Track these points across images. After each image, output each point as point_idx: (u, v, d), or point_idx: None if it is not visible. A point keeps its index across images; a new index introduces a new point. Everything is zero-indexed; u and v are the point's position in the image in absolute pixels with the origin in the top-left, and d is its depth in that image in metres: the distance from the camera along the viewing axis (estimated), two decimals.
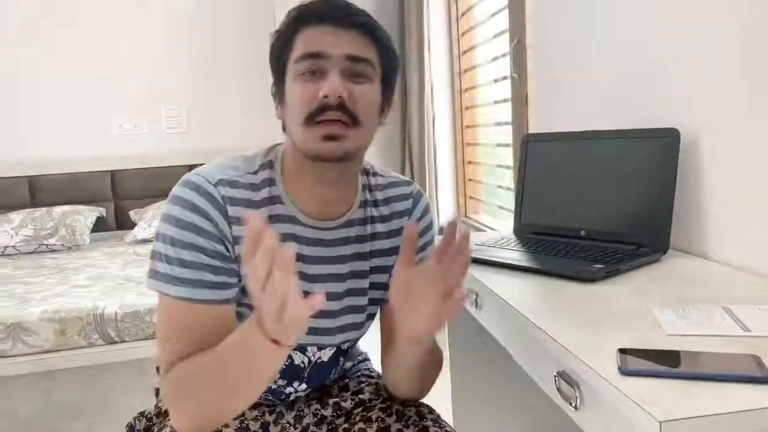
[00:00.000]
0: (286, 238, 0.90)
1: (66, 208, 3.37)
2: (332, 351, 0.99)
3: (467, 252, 0.75)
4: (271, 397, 1.01)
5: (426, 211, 1.03)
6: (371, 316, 1.02)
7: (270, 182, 0.91)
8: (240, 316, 0.91)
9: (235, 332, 0.78)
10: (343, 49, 0.84)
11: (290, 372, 0.98)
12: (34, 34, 3.53)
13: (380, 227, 0.98)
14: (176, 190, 0.87)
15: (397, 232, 0.99)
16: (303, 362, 0.97)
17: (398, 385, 1.00)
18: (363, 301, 0.99)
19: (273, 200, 0.91)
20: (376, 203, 0.99)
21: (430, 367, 0.97)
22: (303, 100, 0.84)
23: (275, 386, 0.99)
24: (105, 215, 3.53)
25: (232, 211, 0.87)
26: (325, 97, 0.82)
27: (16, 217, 3.25)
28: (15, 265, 2.90)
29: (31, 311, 2.08)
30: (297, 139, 0.87)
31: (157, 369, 1.14)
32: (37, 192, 3.54)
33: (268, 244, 0.62)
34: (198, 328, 0.84)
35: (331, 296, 0.94)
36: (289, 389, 1.00)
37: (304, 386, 1.01)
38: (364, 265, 0.97)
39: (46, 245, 3.19)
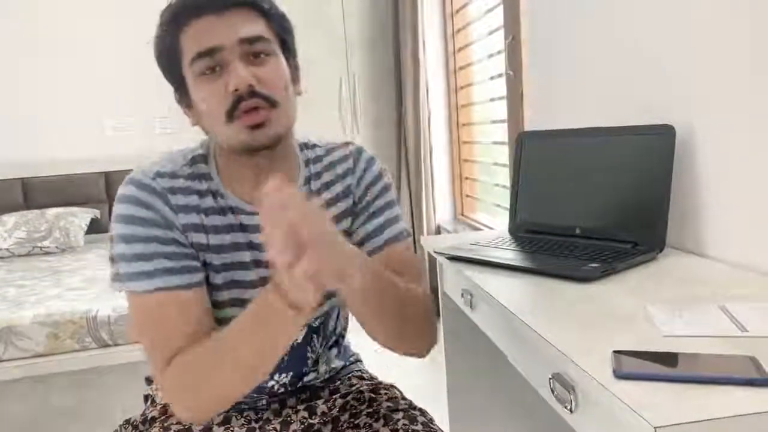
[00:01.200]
0: (234, 228, 0.91)
1: (60, 210, 3.34)
2: (304, 331, 0.97)
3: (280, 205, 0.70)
4: (254, 395, 0.99)
5: (369, 163, 1.01)
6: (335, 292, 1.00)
7: (206, 177, 0.91)
8: (215, 305, 0.90)
9: (248, 309, 0.78)
10: (234, 34, 0.82)
11: None
12: (27, 35, 3.50)
13: (326, 195, 0.97)
14: (119, 189, 0.88)
15: (344, 194, 0.98)
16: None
17: (393, 343, 0.94)
18: None
19: (213, 193, 0.91)
20: (319, 175, 0.98)
21: (411, 315, 0.92)
22: (214, 99, 0.83)
23: (259, 386, 0.96)
24: (99, 217, 3.51)
25: (174, 199, 0.87)
26: (236, 90, 0.81)
27: (9, 219, 3.22)
28: (8, 268, 2.88)
29: (23, 315, 2.05)
30: (223, 138, 0.86)
31: (147, 380, 1.12)
32: (31, 194, 3.51)
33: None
34: (175, 316, 0.83)
35: None
36: (271, 382, 0.98)
37: (284, 376, 0.98)
38: None
39: (40, 248, 3.17)
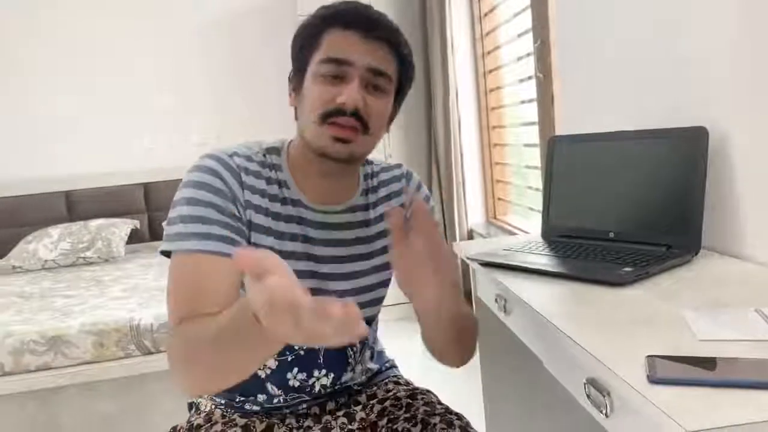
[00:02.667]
0: (294, 219, 0.96)
1: (101, 221, 3.45)
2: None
3: (424, 220, 0.79)
4: (298, 396, 1.01)
5: (419, 186, 1.10)
6: (377, 301, 1.05)
7: (276, 167, 0.97)
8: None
9: (237, 320, 0.70)
10: (367, 60, 0.89)
11: (307, 360, 0.99)
12: (68, 53, 3.63)
13: (381, 210, 1.04)
14: (195, 162, 0.93)
15: None
16: (321, 345, 0.97)
17: (441, 355, 0.99)
18: (369, 280, 1.02)
19: (280, 183, 0.96)
20: (375, 189, 1.05)
21: (464, 332, 0.97)
22: (321, 100, 0.89)
23: (298, 383, 1.00)
24: (139, 227, 3.61)
25: (246, 179, 0.92)
26: (342, 103, 0.87)
27: (55, 231, 3.34)
28: (54, 278, 2.98)
29: (70, 324, 2.13)
30: (308, 134, 0.92)
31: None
32: (74, 206, 3.64)
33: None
34: (206, 280, 0.85)
35: (337, 277, 0.99)
36: (311, 380, 1.00)
37: (324, 372, 1.01)
38: (368, 248, 1.02)
39: (84, 258, 3.27)
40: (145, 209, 3.71)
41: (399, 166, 1.11)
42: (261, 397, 1.01)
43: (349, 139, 0.89)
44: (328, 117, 0.88)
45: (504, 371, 1.57)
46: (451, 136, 3.16)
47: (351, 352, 1.04)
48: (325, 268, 0.98)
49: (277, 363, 0.99)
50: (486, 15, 3.05)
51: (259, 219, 0.93)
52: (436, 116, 3.24)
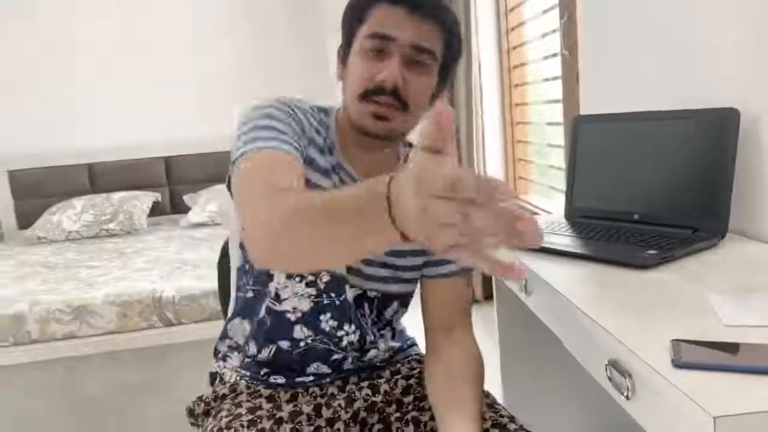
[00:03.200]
0: (332, 176, 0.97)
1: (123, 194, 3.49)
2: (379, 294, 1.03)
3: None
4: (326, 341, 1.01)
5: None
6: (416, 280, 1.07)
7: (326, 127, 0.99)
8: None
9: (358, 197, 0.60)
10: (410, 36, 0.88)
11: (340, 311, 1.00)
12: (88, 24, 3.64)
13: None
14: (267, 100, 0.93)
15: None
16: (355, 297, 1.02)
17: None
18: (408, 261, 1.03)
19: (329, 147, 0.98)
20: None
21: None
22: (362, 77, 0.90)
23: (328, 328, 1.01)
24: (160, 200, 3.64)
25: (306, 121, 0.94)
26: (382, 81, 0.87)
27: (78, 203, 3.39)
28: (78, 249, 3.04)
29: (94, 294, 2.17)
30: (350, 109, 0.93)
31: (215, 353, 1.17)
32: (97, 178, 3.68)
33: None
34: (279, 169, 0.82)
35: (396, 253, 1.00)
36: (340, 332, 1.01)
37: (354, 328, 1.02)
38: None
39: (106, 230, 3.32)
40: (167, 182, 3.74)
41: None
42: (284, 344, 1.01)
43: (388, 116, 0.89)
44: (369, 95, 0.89)
45: (523, 350, 1.57)
46: (473, 113, 3.13)
47: (383, 314, 1.07)
48: None
49: (311, 305, 1.00)
50: None
51: (312, 158, 0.95)
52: (457, 92, 3.21)
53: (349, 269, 1.00)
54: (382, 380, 1.07)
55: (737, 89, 1.18)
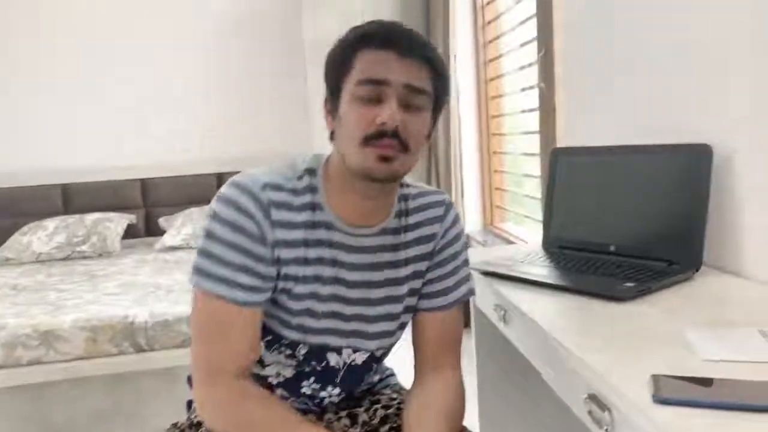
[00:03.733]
0: (324, 243, 0.94)
1: (98, 215, 3.43)
2: (366, 355, 1.01)
3: None
4: (306, 402, 1.03)
5: (456, 220, 1.06)
6: (402, 326, 1.04)
7: (312, 189, 0.95)
8: (277, 320, 0.94)
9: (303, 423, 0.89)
10: (404, 78, 0.87)
11: (325, 375, 1.00)
12: (67, 44, 3.61)
13: (413, 235, 1.01)
14: (224, 190, 0.91)
15: (428, 238, 1.02)
16: (338, 364, 0.99)
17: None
18: (398, 308, 1.01)
19: (313, 206, 0.94)
20: (408, 212, 1.02)
21: None
22: (361, 123, 0.87)
23: (310, 391, 1.00)
24: (135, 222, 3.59)
25: (275, 214, 0.90)
26: (383, 124, 0.86)
27: (50, 224, 3.32)
28: (48, 271, 2.96)
29: (63, 319, 2.12)
30: (350, 158, 0.90)
31: (189, 379, 1.15)
32: (70, 199, 3.62)
33: None
34: (230, 327, 0.89)
35: (368, 302, 0.98)
36: (322, 393, 1.02)
37: (338, 390, 1.02)
38: (399, 272, 1.00)
39: (78, 252, 3.26)
40: (143, 204, 3.69)
41: (440, 193, 1.08)
42: None
43: (392, 156, 0.88)
44: (370, 140, 0.87)
45: (501, 382, 1.56)
46: (451, 143, 3.16)
47: (366, 376, 1.06)
48: (353, 293, 0.97)
49: (294, 373, 0.99)
50: (489, 23, 3.05)
51: (288, 253, 0.92)
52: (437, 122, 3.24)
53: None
54: (361, 409, 1.07)
55: (710, 125, 1.21)
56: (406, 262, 1.01)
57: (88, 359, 2.08)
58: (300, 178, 0.94)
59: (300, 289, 0.93)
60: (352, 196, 0.95)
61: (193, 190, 3.65)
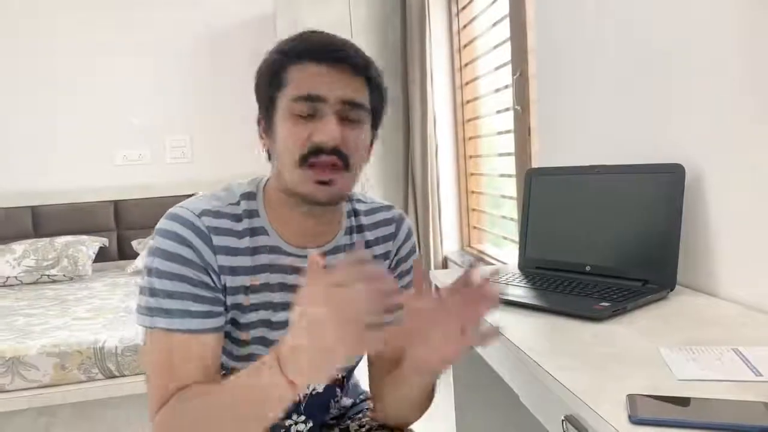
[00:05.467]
0: (271, 268, 0.91)
1: (69, 238, 3.37)
2: (326, 381, 0.98)
3: (490, 293, 0.79)
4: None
5: (409, 235, 1.05)
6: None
7: (251, 213, 0.91)
8: (225, 352, 0.91)
9: (244, 375, 0.77)
10: (341, 92, 0.84)
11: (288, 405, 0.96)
12: (38, 66, 3.57)
13: (366, 253, 0.99)
14: (161, 223, 0.87)
15: (382, 257, 1.01)
16: (298, 395, 0.95)
17: (396, 412, 0.99)
18: None
19: (255, 231, 0.91)
20: (361, 229, 1.00)
21: (426, 395, 0.96)
22: (296, 142, 0.84)
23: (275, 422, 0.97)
24: (107, 245, 3.53)
25: (216, 240, 0.87)
26: (321, 142, 0.83)
27: (19, 247, 3.25)
28: (16, 296, 2.89)
29: (30, 345, 2.06)
30: (288, 179, 0.87)
31: None
32: (40, 222, 3.54)
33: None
34: (184, 359, 0.83)
35: None
36: (288, 422, 0.99)
37: (303, 419, 0.99)
38: None
39: (48, 276, 3.18)
40: (115, 227, 3.63)
41: (389, 208, 1.05)
42: None
43: (332, 180, 0.84)
44: (308, 158, 0.83)
45: (479, 405, 1.55)
46: (428, 164, 3.17)
47: (333, 402, 1.02)
48: None
49: None
50: (465, 47, 3.09)
51: (234, 281, 0.88)
52: (413, 144, 3.25)
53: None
54: None
55: (682, 145, 1.22)
56: None
57: (56, 386, 2.02)
58: (237, 203, 0.91)
59: (250, 317, 0.90)
60: (294, 216, 0.91)
61: None
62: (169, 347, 0.84)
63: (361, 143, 0.88)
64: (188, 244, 0.85)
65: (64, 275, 3.20)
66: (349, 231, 0.98)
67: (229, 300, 0.88)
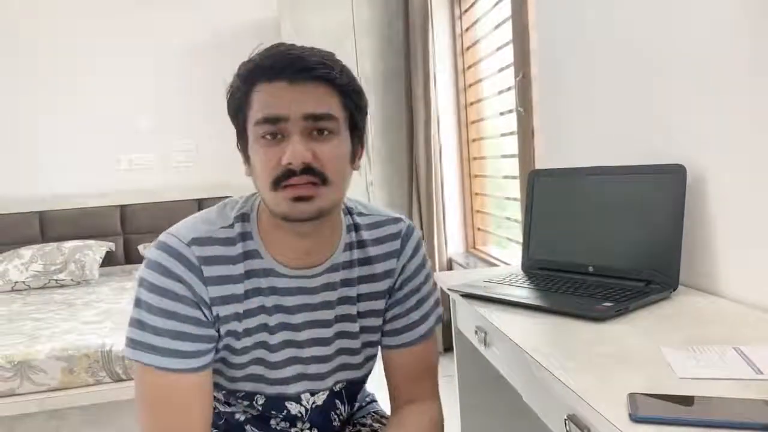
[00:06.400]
0: (265, 291, 0.89)
1: (76, 243, 3.39)
2: (326, 394, 0.98)
3: None
4: None
5: (416, 250, 0.99)
6: (371, 358, 1.01)
7: (245, 236, 0.89)
8: (223, 376, 0.92)
9: None
10: (301, 108, 0.80)
11: (290, 419, 0.97)
12: (45, 71, 3.60)
13: (367, 270, 0.95)
14: (150, 253, 0.86)
15: (385, 275, 0.97)
16: (300, 412, 0.97)
17: None
18: (356, 344, 0.97)
19: (249, 255, 0.88)
20: (362, 244, 0.96)
21: None
22: (267, 166, 0.81)
23: (280, 427, 0.98)
24: (114, 249, 3.55)
25: (207, 271, 0.85)
26: (289, 164, 0.79)
27: (27, 252, 3.27)
28: (24, 300, 2.91)
29: (38, 349, 2.07)
30: (267, 202, 0.85)
31: None
32: (48, 227, 3.57)
33: None
34: (172, 398, 0.84)
35: (320, 342, 0.93)
36: (293, 430, 0.99)
37: (308, 426, 1.00)
38: (352, 309, 0.95)
39: (56, 280, 3.21)
40: (121, 232, 3.66)
41: (396, 221, 0.99)
42: None
43: (309, 195, 0.81)
44: (281, 180, 0.80)
45: (482, 404, 1.55)
46: (432, 167, 3.18)
47: (334, 414, 1.02)
48: (304, 335, 0.92)
49: (260, 410, 0.96)
50: (468, 49, 3.10)
51: (227, 309, 0.87)
52: (417, 146, 3.27)
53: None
54: None
55: (684, 146, 1.23)
56: (359, 298, 0.95)
57: (64, 390, 2.04)
58: (231, 225, 0.89)
59: (245, 342, 0.89)
60: (286, 237, 0.88)
61: (173, 217, 3.55)
62: (159, 386, 0.84)
63: (336, 155, 0.83)
64: (178, 279, 0.83)
65: (71, 279, 3.22)
66: (349, 247, 0.94)
67: (223, 328, 0.87)
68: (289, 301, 0.90)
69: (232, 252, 0.87)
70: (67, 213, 3.59)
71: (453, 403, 1.57)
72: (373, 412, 1.13)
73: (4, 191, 3.55)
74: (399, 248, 0.98)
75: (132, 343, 0.85)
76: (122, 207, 3.66)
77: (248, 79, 0.83)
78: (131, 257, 3.61)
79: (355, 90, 0.86)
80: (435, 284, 1.04)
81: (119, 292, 2.97)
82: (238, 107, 0.85)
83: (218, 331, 0.87)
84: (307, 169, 0.80)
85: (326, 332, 0.94)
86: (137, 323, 0.84)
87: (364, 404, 1.13)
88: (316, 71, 0.81)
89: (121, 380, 2.07)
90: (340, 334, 0.95)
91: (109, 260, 3.49)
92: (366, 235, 0.96)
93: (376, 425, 1.09)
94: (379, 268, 0.96)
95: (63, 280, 3.21)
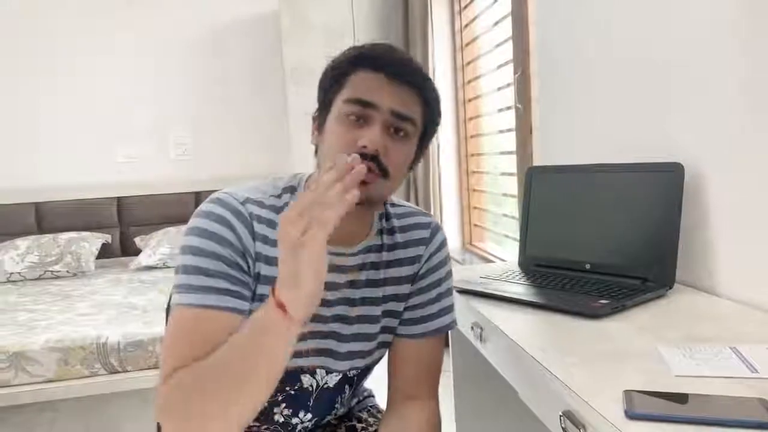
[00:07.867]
0: None
1: (72, 234, 3.38)
2: (339, 377, 0.99)
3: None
4: (279, 430, 1.00)
5: (442, 245, 1.04)
6: (383, 345, 1.02)
7: None
8: None
9: (247, 325, 0.79)
10: (392, 103, 0.86)
11: (297, 399, 0.97)
12: (42, 62, 3.58)
13: (395, 255, 0.99)
14: (203, 206, 0.88)
15: (412, 260, 1.00)
16: (311, 386, 0.97)
17: None
18: (374, 328, 0.99)
19: None
20: (392, 231, 1.00)
21: None
22: (341, 142, 0.86)
23: (282, 418, 0.98)
24: (110, 242, 3.54)
25: (258, 227, 0.88)
26: (363, 147, 0.84)
27: (23, 243, 3.26)
28: (20, 292, 2.91)
29: (34, 340, 2.07)
30: None
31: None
32: (44, 218, 3.56)
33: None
34: (205, 334, 0.81)
35: (342, 320, 0.95)
36: (295, 420, 0.99)
37: (309, 416, 1.00)
38: (377, 292, 0.98)
39: (51, 272, 3.20)
40: (118, 224, 3.64)
41: (427, 215, 1.05)
42: None
43: (368, 180, 0.83)
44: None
45: (478, 401, 1.56)
46: (430, 162, 3.18)
47: (340, 399, 1.03)
48: (331, 311, 0.94)
49: (269, 400, 0.96)
50: (467, 45, 3.09)
51: (267, 270, 0.89)
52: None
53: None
54: None
55: (682, 144, 1.23)
56: (385, 281, 0.99)
57: (59, 381, 2.03)
58: (279, 196, 0.92)
59: None
60: None
61: (170, 209, 3.61)
62: (194, 321, 0.83)
63: (403, 157, 0.89)
64: (229, 226, 0.86)
65: (67, 271, 3.21)
66: (380, 232, 0.99)
67: (260, 289, 0.89)
68: (327, 277, 0.91)
69: (278, 219, 0.89)
70: (64, 205, 3.57)
71: (447, 398, 1.57)
72: (370, 406, 1.13)
73: (1, 182, 3.54)
74: (428, 237, 1.02)
75: (180, 288, 0.85)
76: (119, 199, 3.64)
77: (354, 61, 0.89)
78: (127, 249, 3.60)
79: (437, 109, 0.93)
80: (452, 289, 1.05)
81: (115, 285, 2.96)
82: (334, 80, 0.90)
83: (254, 291, 0.88)
84: (374, 158, 0.85)
85: (350, 311, 0.96)
86: (182, 268, 0.85)
87: (361, 398, 1.14)
88: (414, 78, 0.88)
89: (116, 372, 2.07)
90: (362, 318, 0.97)
91: (105, 252, 3.48)
92: (396, 222, 1.01)
93: (372, 420, 1.09)
94: (408, 252, 1.00)
95: (59, 271, 3.20)
